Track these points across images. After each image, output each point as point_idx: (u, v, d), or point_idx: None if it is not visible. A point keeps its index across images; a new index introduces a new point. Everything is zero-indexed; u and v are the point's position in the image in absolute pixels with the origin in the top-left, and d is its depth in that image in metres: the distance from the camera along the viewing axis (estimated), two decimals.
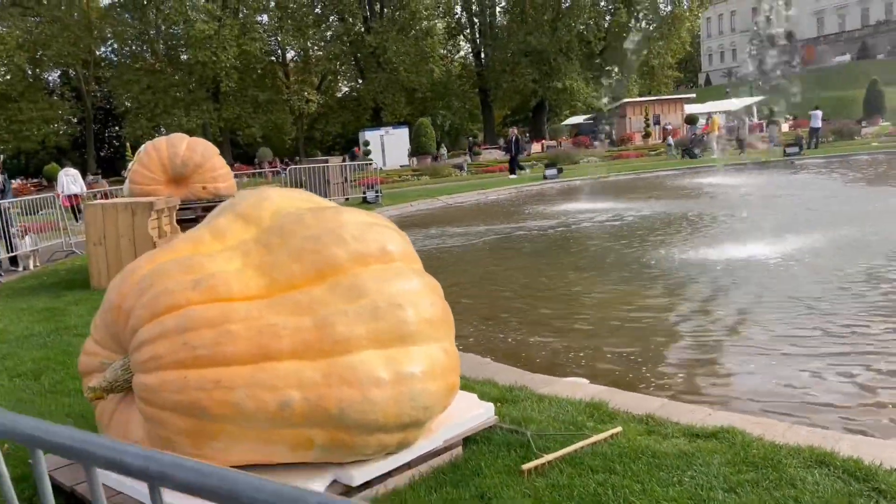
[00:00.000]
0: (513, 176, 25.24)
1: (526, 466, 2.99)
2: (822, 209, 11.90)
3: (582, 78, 45.64)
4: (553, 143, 44.08)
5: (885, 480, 2.75)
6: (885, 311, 5.80)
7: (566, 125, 48.12)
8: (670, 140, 31.01)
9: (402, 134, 42.16)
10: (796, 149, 23.18)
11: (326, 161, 18.77)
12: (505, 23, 50.36)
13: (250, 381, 2.61)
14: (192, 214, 9.64)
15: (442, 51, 52.42)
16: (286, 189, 3.54)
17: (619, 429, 3.35)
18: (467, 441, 3.29)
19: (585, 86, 45.48)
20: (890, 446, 3.16)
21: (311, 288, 2.87)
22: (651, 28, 47.76)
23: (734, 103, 46.01)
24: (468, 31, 52.96)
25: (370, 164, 23.82)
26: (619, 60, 42.38)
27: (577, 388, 4.12)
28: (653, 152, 29.96)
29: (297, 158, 49.50)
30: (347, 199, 18.81)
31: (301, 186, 18.42)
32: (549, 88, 46.06)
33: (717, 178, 19.10)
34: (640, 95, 47.27)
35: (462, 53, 56.09)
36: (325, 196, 18.42)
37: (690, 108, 43.15)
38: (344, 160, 21.74)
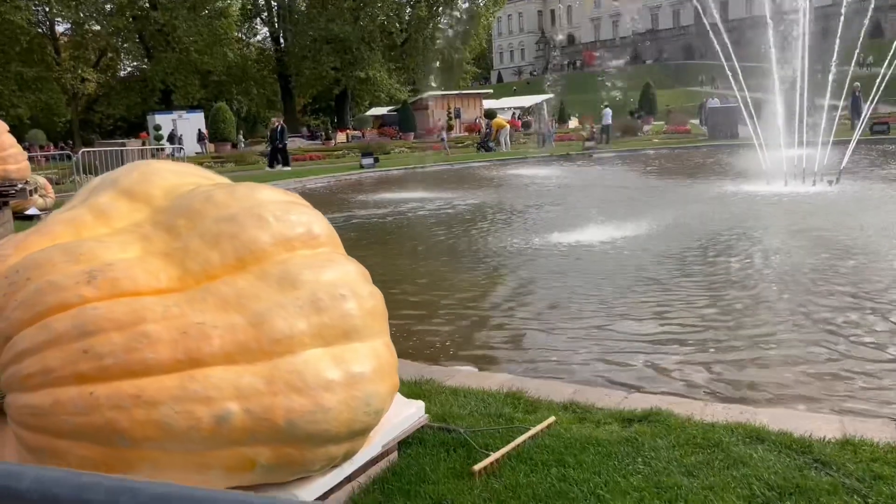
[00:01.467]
0: (270, 169, 23.10)
1: (477, 467, 2.75)
2: (634, 198, 12.79)
3: (384, 69, 45.75)
4: (358, 133, 43.77)
5: (822, 452, 2.84)
6: (715, 286, 6.24)
7: (370, 115, 48.06)
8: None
9: (197, 119, 39.66)
10: (593, 143, 24.96)
11: (123, 145, 17.03)
12: (304, 8, 49.11)
13: (179, 393, 2.11)
14: None
15: (237, 33, 50.06)
16: (175, 162, 3.00)
17: (552, 419, 3.20)
18: (401, 444, 2.97)
19: (388, 76, 45.65)
20: (804, 417, 3.30)
21: (235, 278, 2.41)
22: (450, 22, 49.01)
23: (524, 100, 48.68)
24: (266, 14, 51.01)
25: (161, 149, 21.95)
26: (422, 53, 43.05)
27: (484, 377, 3.95)
28: (459, 144, 30.72)
29: (71, 143, 44.90)
30: None
31: (94, 173, 16.59)
32: (351, 77, 45.67)
33: (527, 169, 19.96)
34: (441, 89, 48.41)
35: (259, 37, 53.97)
36: None
37: (488, 104, 44.93)
38: (144, 144, 19.91)
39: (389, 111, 45.84)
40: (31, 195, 8.90)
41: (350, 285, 2.59)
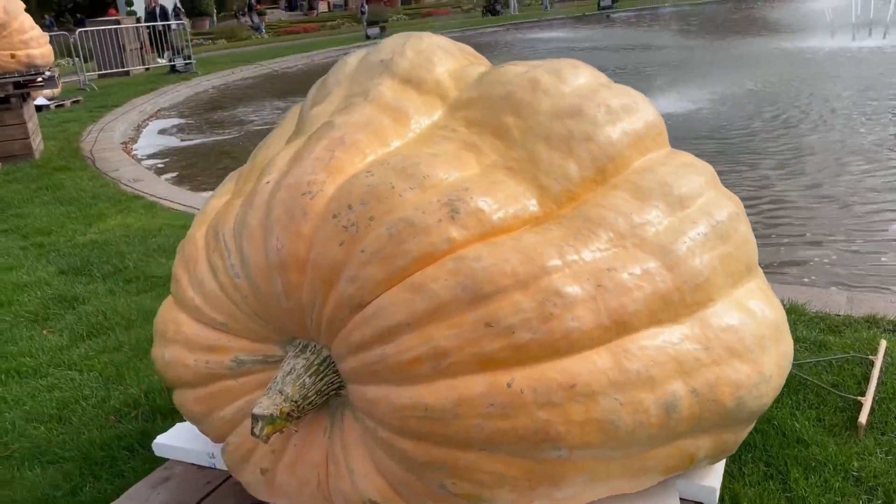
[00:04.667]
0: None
1: (863, 419, 2.16)
2: (690, 60, 11.87)
3: None
4: (339, 1, 41.15)
5: None
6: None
7: None
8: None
9: None
10: (609, 1, 23.37)
11: (118, 22, 15.48)
12: None
13: (617, 376, 1.45)
14: (0, 93, 7.20)
15: None
16: (432, 34, 2.18)
17: (884, 343, 2.61)
18: None
19: None
20: None
21: (609, 199, 1.70)
22: None
23: None
24: None
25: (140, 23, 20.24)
26: None
27: None
28: (456, 8, 28.83)
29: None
30: (148, 68, 15.89)
31: (88, 54, 15.16)
32: None
33: (547, 33, 18.68)
34: None
35: None
36: (122, 66, 15.33)
37: None
38: (139, 22, 18.20)
39: None
40: (57, 84, 7.84)
41: (728, 196, 1.91)
